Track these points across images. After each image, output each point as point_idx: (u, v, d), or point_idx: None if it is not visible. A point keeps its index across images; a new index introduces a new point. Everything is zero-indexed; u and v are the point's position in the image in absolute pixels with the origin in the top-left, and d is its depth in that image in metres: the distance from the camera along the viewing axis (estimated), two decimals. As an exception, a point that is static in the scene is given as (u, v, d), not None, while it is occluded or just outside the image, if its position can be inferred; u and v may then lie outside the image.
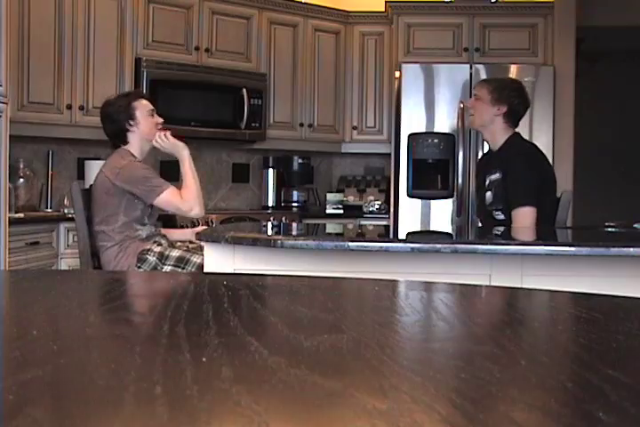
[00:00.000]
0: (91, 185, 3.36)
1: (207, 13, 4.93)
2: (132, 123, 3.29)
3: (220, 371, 0.67)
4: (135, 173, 3.21)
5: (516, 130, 3.24)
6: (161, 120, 3.38)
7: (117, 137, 3.32)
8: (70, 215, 3.88)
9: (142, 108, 3.33)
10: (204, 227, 3.45)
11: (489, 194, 3.20)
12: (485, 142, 3.36)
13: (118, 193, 3.20)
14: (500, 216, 3.13)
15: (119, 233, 3.22)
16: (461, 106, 4.93)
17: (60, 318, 0.98)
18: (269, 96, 5.21)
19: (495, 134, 3.20)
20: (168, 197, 3.22)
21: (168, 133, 3.33)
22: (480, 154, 4.92)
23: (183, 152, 3.34)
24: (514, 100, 3.18)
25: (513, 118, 3.20)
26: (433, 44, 5.24)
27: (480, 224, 3.43)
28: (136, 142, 3.32)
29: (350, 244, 2.16)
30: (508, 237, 2.76)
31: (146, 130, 3.32)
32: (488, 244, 2.24)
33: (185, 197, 3.25)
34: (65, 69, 4.32)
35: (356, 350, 0.78)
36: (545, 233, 2.92)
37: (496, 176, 3.15)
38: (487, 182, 3.22)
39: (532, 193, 3.03)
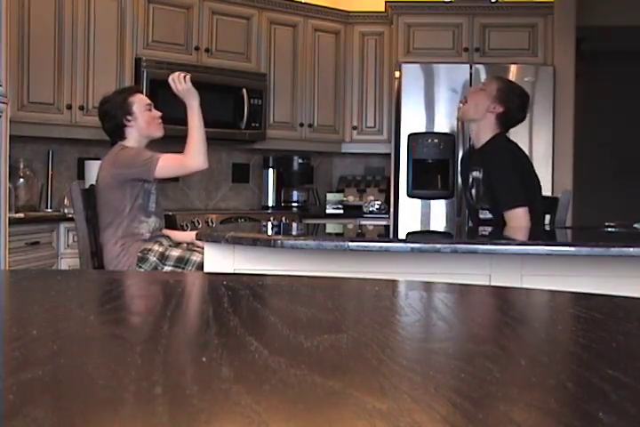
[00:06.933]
0: (91, 185, 3.36)
1: (207, 13, 4.92)
2: (129, 118, 3.29)
3: (220, 371, 0.67)
4: (127, 155, 3.22)
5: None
6: (159, 114, 3.36)
7: (115, 133, 3.32)
8: (70, 215, 3.88)
9: (139, 102, 3.32)
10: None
11: (474, 191, 3.17)
12: (470, 138, 3.29)
13: (119, 184, 3.19)
14: (488, 215, 3.10)
15: (122, 232, 3.21)
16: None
17: (60, 318, 0.98)
18: (269, 96, 5.21)
19: (481, 131, 3.15)
20: (166, 163, 3.18)
21: (188, 77, 3.25)
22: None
23: (194, 102, 3.25)
24: (513, 106, 3.14)
25: (504, 122, 3.15)
26: (433, 44, 5.24)
27: (471, 223, 3.40)
28: (134, 138, 3.31)
29: (350, 244, 2.16)
30: (507, 238, 2.76)
31: (144, 124, 3.31)
32: (488, 244, 2.24)
33: (185, 152, 3.20)
34: (65, 69, 4.31)
35: (356, 350, 0.78)
36: (541, 233, 2.92)
37: (477, 174, 3.12)
38: (471, 179, 3.19)
39: (520, 193, 3.00)
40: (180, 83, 3.24)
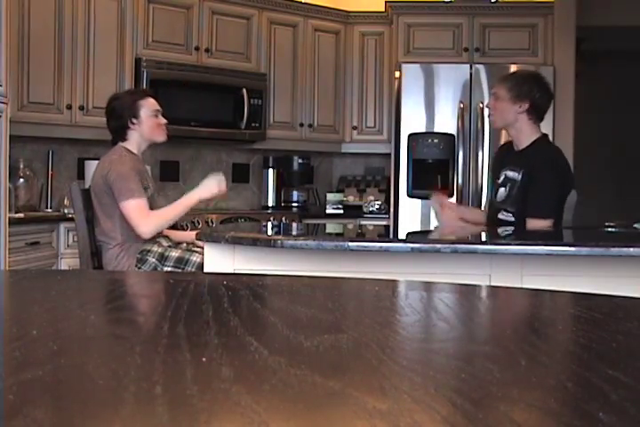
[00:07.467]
0: (90, 185, 3.36)
1: (207, 13, 4.92)
2: (134, 121, 3.28)
3: (219, 371, 0.67)
4: (119, 169, 3.17)
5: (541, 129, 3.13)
6: (165, 121, 3.36)
7: (118, 133, 3.31)
8: (70, 215, 3.88)
9: (148, 107, 3.31)
10: None
11: (502, 190, 3.08)
12: (511, 139, 3.18)
13: (107, 189, 3.18)
14: (510, 218, 3.02)
15: (121, 233, 3.21)
16: (461, 106, 4.93)
17: (60, 318, 0.98)
18: (269, 96, 5.21)
19: (521, 133, 3.07)
20: (132, 209, 3.13)
21: (224, 185, 3.29)
22: (480, 154, 4.93)
23: (198, 195, 3.28)
24: (535, 95, 3.05)
25: (537, 113, 3.07)
26: (433, 44, 5.24)
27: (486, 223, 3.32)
28: (135, 140, 3.31)
29: (350, 244, 2.16)
30: (507, 237, 2.75)
31: (147, 130, 3.30)
32: (488, 244, 2.24)
33: (151, 216, 3.16)
34: (65, 69, 4.31)
35: (356, 350, 0.78)
36: (542, 233, 2.92)
37: (514, 175, 3.02)
38: (502, 178, 3.09)
39: (554, 206, 2.95)
40: (222, 185, 3.28)
